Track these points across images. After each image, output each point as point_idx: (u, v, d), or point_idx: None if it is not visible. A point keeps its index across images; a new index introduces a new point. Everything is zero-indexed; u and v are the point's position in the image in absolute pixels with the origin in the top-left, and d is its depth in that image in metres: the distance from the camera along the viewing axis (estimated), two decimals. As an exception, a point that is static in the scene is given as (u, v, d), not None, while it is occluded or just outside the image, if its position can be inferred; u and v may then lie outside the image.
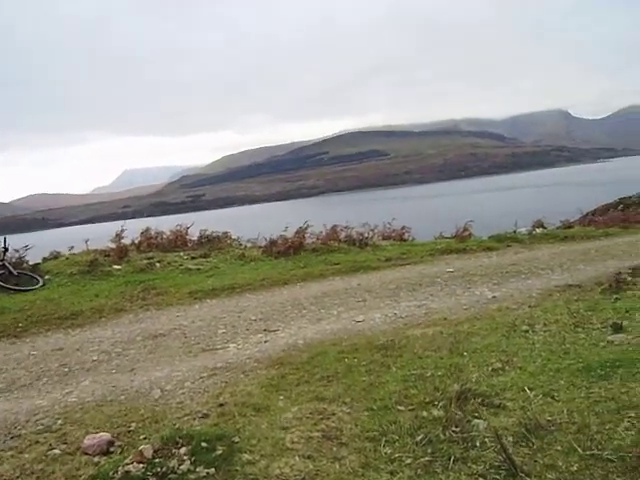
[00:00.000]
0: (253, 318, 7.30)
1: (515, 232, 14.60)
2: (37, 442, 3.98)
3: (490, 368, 4.46)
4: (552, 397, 3.76)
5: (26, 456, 3.75)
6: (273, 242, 11.62)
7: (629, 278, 7.26)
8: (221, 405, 4.30)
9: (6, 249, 10.59)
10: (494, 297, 7.71)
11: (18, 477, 3.48)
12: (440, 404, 3.79)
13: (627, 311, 5.79)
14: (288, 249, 11.29)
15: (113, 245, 11.59)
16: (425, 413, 3.71)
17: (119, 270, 10.60)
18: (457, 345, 5.21)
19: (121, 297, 8.98)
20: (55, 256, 11.75)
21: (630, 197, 35.31)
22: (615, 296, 6.60)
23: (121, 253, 11.30)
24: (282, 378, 4.75)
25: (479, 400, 3.79)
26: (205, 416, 4.13)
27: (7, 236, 11.15)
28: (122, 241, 11.85)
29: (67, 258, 11.36)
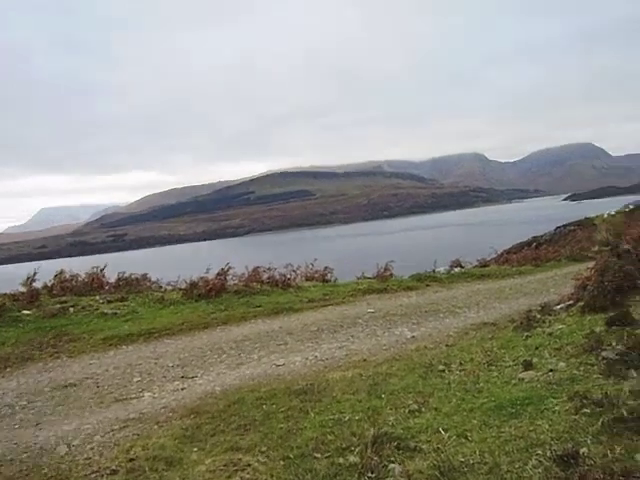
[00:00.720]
0: (170, 364, 7.07)
1: (434, 271, 14.99)
2: None
3: (407, 410, 4.50)
4: (465, 437, 3.81)
5: None
6: (194, 284, 11.36)
7: (539, 315, 7.55)
8: (131, 460, 4.10)
9: None
10: (413, 337, 7.84)
11: None
12: (357, 449, 3.77)
13: (537, 348, 6.00)
14: (209, 291, 11.06)
15: (23, 289, 10.98)
16: (341, 460, 3.68)
17: (29, 315, 10.02)
18: (375, 387, 5.23)
19: (30, 345, 8.47)
20: (-44, 303, 10.99)
21: (542, 236, 37.27)
22: (526, 334, 6.83)
23: (32, 297, 10.70)
24: (197, 428, 4.59)
25: (395, 444, 3.79)
26: (114, 472, 3.94)
27: None
28: (33, 284, 11.25)
29: (-29, 304, 10.66)
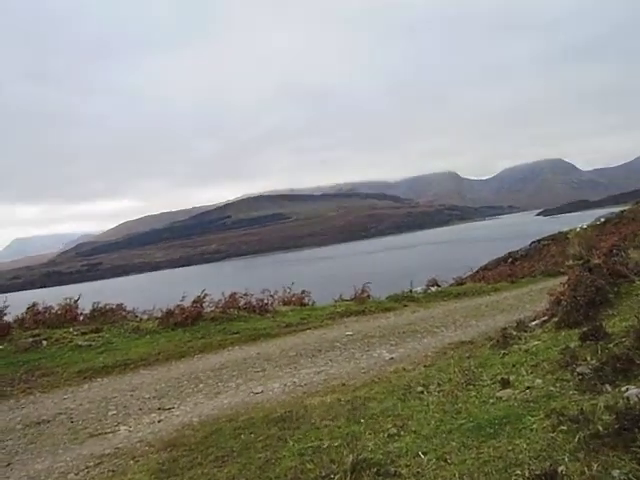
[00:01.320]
0: (147, 396, 6.94)
1: (411, 291, 15.05)
2: None
3: (386, 434, 4.46)
4: (445, 460, 3.79)
5: None
6: (170, 312, 11.22)
7: (515, 332, 7.60)
8: (106, 498, 4.00)
9: None
10: (392, 358, 7.82)
11: None
12: (336, 477, 3.72)
13: (514, 365, 6.03)
14: (186, 319, 10.94)
15: (-6, 323, 10.74)
16: (320, 488, 3.62)
17: (0, 350, 9.81)
18: (354, 412, 5.18)
19: (1, 381, 8.24)
20: None
21: (517, 251, 37.70)
22: (503, 351, 6.86)
23: (3, 331, 10.46)
24: (174, 462, 4.50)
25: (374, 470, 3.75)
26: (88, 512, 3.82)
27: None
28: (5, 318, 11.02)
29: (-62, 340, 10.38)
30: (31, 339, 10.21)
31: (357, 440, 4.42)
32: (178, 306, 11.37)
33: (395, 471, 3.75)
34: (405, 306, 13.04)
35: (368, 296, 13.92)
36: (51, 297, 12.71)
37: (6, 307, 11.19)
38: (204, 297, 11.89)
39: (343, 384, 6.58)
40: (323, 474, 3.84)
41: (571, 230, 37.67)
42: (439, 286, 16.46)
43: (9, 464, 5.13)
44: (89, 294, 12.99)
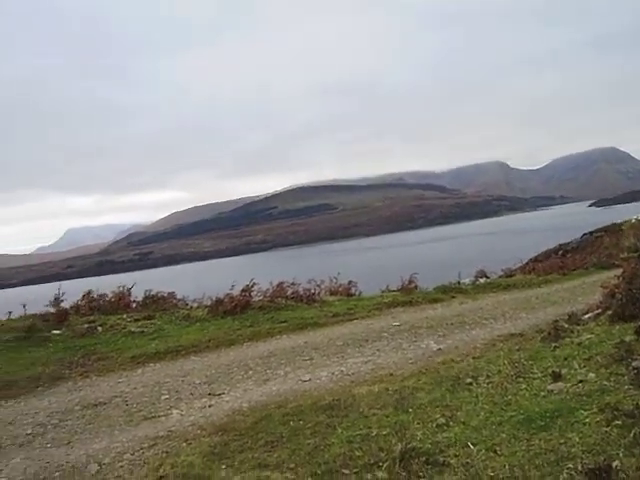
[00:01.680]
0: (197, 382, 7.12)
1: (459, 283, 14.88)
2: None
3: (434, 424, 4.46)
4: (494, 452, 3.77)
5: None
6: (219, 301, 11.45)
7: (567, 325, 7.45)
8: (161, 478, 4.14)
9: None
10: (439, 349, 7.78)
11: None
12: (385, 465, 3.75)
13: (565, 359, 5.92)
14: (234, 308, 11.14)
15: (52, 309, 11.19)
16: (370, 476, 3.66)
17: (58, 335, 10.20)
18: (402, 402, 5.20)
19: (60, 364, 8.61)
20: (-13, 323, 11.24)
21: (569, 243, 36.71)
22: (554, 344, 6.75)
23: (61, 317, 10.89)
24: (225, 445, 4.61)
25: (423, 459, 3.77)
26: (144, 491, 3.96)
27: None
28: (62, 304, 11.46)
29: (2, 324, 10.89)
30: (87, 325, 10.59)
31: (405, 429, 4.44)
32: (227, 295, 11.58)
33: (444, 461, 3.75)
34: (453, 297, 12.91)
35: (415, 287, 13.85)
36: (104, 285, 13.14)
37: (62, 294, 11.64)
38: (252, 286, 12.07)
39: (390, 374, 6.58)
40: (372, 461, 3.88)
41: (625, 221, 36.39)
42: (488, 278, 16.25)
43: (69, 442, 5.36)
44: (141, 282, 13.34)
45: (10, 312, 11.60)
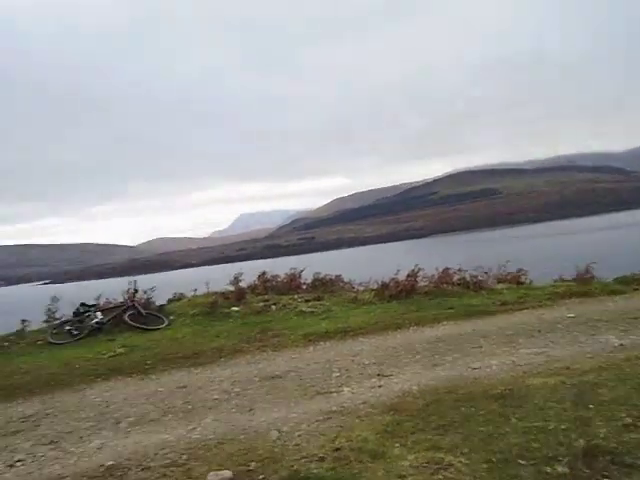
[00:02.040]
0: (366, 362, 7.31)
1: (644, 274, 13.62)
2: (165, 475, 4.22)
3: (620, 423, 4.19)
4: (693, 458, 3.47)
5: (155, 489, 3.98)
6: (385, 285, 11.64)
7: None
8: (337, 449, 4.33)
9: (136, 290, 11.56)
10: (621, 345, 7.21)
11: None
12: (565, 460, 3.62)
13: None
14: (400, 292, 11.25)
15: (232, 288, 12.16)
16: (549, 469, 3.55)
17: (237, 312, 11.07)
18: (582, 397, 4.93)
19: (239, 338, 9.36)
20: (178, 298, 12.54)
21: None
22: None
23: (239, 295, 11.81)
24: (397, 425, 4.71)
25: (608, 458, 3.58)
26: (321, 460, 4.18)
27: (133, 277, 12.18)
28: (240, 284, 12.41)
29: (189, 300, 12.07)
30: (262, 303, 11.36)
31: (586, 426, 4.22)
32: (392, 279, 11.73)
33: (632, 462, 3.53)
34: (635, 290, 11.84)
35: (592, 277, 12.92)
36: (274, 267, 13.95)
37: (240, 274, 12.60)
38: (418, 272, 12.09)
39: (567, 367, 6.24)
40: (550, 454, 3.76)
41: None
42: (679, 269, 14.66)
43: (251, 409, 5.82)
44: (305, 265, 13.93)
45: (195, 289, 12.82)
